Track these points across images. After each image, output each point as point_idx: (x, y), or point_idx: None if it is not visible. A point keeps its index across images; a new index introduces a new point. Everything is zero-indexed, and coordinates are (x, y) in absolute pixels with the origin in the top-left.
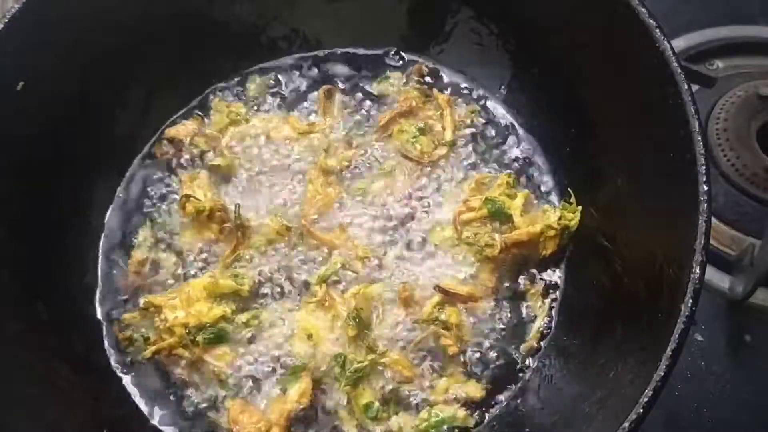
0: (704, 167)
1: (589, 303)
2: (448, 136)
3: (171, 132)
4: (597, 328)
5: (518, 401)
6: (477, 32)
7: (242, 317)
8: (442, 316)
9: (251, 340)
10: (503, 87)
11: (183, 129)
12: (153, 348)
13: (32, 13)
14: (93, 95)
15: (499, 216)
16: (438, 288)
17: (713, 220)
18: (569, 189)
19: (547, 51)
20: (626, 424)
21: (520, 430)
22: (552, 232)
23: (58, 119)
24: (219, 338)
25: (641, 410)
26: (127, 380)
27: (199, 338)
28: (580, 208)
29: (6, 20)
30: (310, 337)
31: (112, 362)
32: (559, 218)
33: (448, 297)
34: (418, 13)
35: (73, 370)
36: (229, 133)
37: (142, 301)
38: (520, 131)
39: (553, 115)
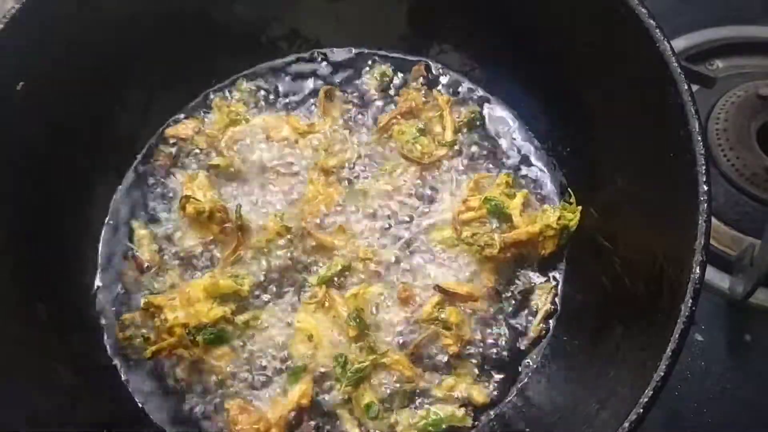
0: (704, 167)
1: (589, 303)
2: (448, 136)
3: (171, 132)
4: (597, 328)
5: (518, 401)
6: (477, 32)
7: (242, 317)
8: (442, 316)
9: (251, 341)
10: (503, 87)
11: (183, 128)
12: (153, 348)
13: (32, 13)
14: (93, 95)
15: (498, 215)
16: (437, 288)
17: (713, 220)
18: (569, 189)
19: (547, 51)
20: (626, 424)
21: (519, 430)
22: (551, 232)
23: (57, 119)
24: (219, 338)
25: (641, 410)
26: (127, 380)
27: (199, 338)
28: (579, 208)
29: (6, 20)
30: (310, 337)
31: (112, 362)
32: (559, 218)
33: (448, 297)
34: (418, 13)
35: (73, 370)
36: (229, 133)
37: (142, 301)
38: (520, 131)
39: (553, 115)
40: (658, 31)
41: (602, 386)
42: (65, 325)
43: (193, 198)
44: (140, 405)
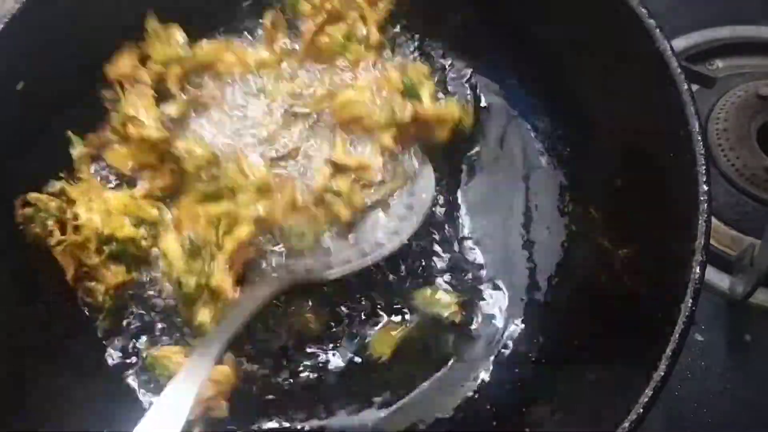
0: (704, 167)
1: (588, 303)
2: (374, 36)
3: (111, 71)
4: (596, 328)
5: (517, 401)
6: (477, 32)
7: (147, 243)
8: (334, 186)
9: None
10: (503, 87)
11: (123, 65)
12: (54, 240)
13: (32, 13)
14: (93, 95)
15: (410, 94)
16: (329, 162)
17: (713, 220)
18: (567, 189)
19: (547, 51)
20: (626, 424)
21: (521, 429)
22: (450, 123)
23: (58, 119)
24: (122, 256)
25: (641, 410)
26: (127, 380)
27: (106, 249)
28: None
29: (6, 20)
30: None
31: (113, 362)
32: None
33: (340, 170)
34: (416, 13)
35: (73, 370)
36: (175, 70)
37: (55, 185)
38: (520, 131)
39: (553, 115)
40: (658, 31)
41: (602, 386)
42: (65, 325)
43: (138, 120)
44: (140, 404)
